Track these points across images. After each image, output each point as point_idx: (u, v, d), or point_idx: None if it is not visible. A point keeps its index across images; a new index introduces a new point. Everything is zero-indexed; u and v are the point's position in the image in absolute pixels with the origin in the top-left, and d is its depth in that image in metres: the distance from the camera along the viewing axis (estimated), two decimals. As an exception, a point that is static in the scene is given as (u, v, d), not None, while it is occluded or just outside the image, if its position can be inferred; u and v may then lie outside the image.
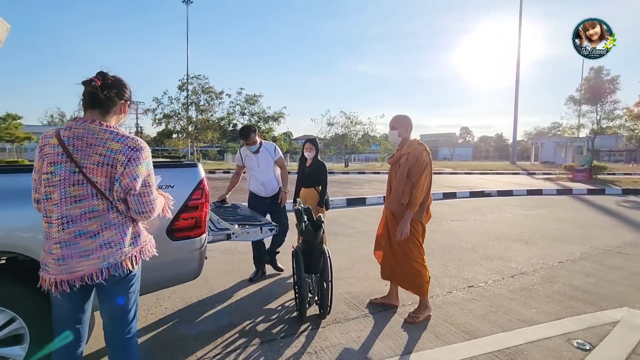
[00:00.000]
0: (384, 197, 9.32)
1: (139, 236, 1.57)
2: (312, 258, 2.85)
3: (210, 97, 27.32)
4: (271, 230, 2.95)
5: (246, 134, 3.71)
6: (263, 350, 2.45)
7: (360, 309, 3.09)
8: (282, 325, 2.80)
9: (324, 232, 2.95)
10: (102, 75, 1.47)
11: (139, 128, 55.61)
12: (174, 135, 29.59)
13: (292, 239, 4.11)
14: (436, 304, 3.19)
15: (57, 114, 55.16)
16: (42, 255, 1.50)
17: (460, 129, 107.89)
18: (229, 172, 20.38)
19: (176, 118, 27.27)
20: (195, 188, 2.25)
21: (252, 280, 3.78)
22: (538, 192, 12.27)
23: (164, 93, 26.58)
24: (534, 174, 22.74)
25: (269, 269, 4.04)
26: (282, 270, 4.03)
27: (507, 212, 8.38)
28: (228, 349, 2.47)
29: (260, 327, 2.78)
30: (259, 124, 26.49)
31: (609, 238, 5.77)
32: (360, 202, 9.60)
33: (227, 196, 3.95)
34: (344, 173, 22.59)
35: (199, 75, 27.10)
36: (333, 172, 21.86)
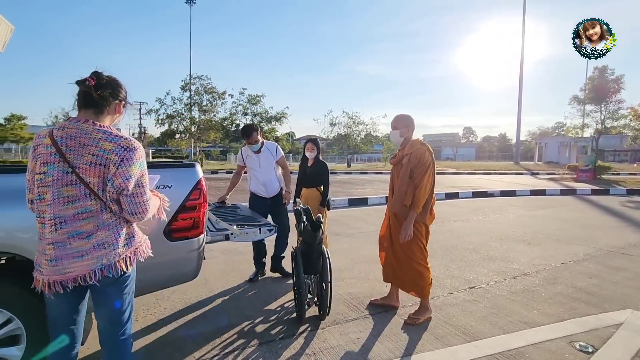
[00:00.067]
0: (386, 197, 9.28)
1: (134, 237, 1.55)
2: (312, 259, 2.84)
3: (212, 97, 27.35)
4: (270, 230, 2.93)
5: (248, 132, 3.69)
6: (261, 352, 2.43)
7: (360, 310, 3.07)
8: (281, 327, 2.78)
9: (323, 233, 2.93)
10: (96, 75, 1.46)
11: (142, 128, 55.88)
12: (177, 136, 29.69)
13: (292, 240, 4.09)
14: (437, 305, 3.16)
15: (61, 115, 55.41)
16: (35, 255, 1.49)
17: (463, 129, 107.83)
18: (231, 172, 20.34)
19: (179, 118, 27.33)
20: (193, 188, 2.24)
21: (252, 280, 3.77)
22: (541, 192, 12.19)
23: (167, 93, 26.65)
24: (538, 174, 22.60)
25: (269, 270, 4.01)
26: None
27: (510, 212, 8.32)
28: (226, 350, 2.45)
29: (259, 328, 2.76)
30: (261, 124, 26.49)
31: (613, 239, 5.71)
32: (362, 202, 9.57)
33: (227, 197, 3.94)
34: (346, 173, 22.56)
35: (202, 75, 27.17)
36: (335, 172, 21.84)
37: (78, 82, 1.45)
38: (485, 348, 2.47)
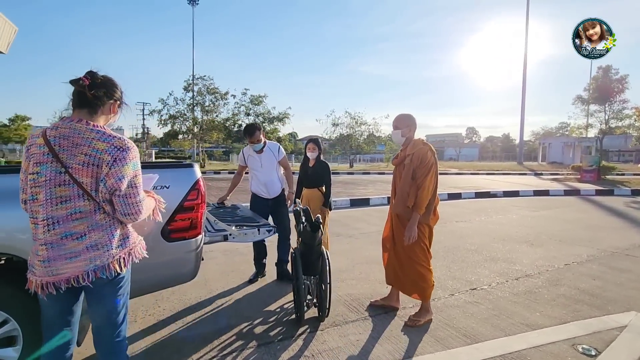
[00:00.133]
0: (388, 197, 9.24)
1: (128, 238, 1.54)
2: (311, 260, 2.81)
3: (215, 97, 27.44)
4: (269, 231, 2.92)
5: (251, 131, 3.68)
6: (260, 354, 2.41)
7: (359, 312, 3.05)
8: (280, 328, 2.76)
9: (323, 234, 2.91)
10: (91, 74, 1.45)
11: (145, 129, 56.10)
12: (180, 136, 29.78)
13: (292, 241, 4.07)
14: (438, 306, 3.13)
15: (65, 115, 55.78)
16: (29, 256, 1.48)
17: (466, 129, 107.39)
18: (234, 173, 20.41)
19: (182, 119, 27.44)
20: (191, 189, 2.23)
21: (251, 281, 3.75)
22: (545, 192, 12.11)
23: (170, 94, 26.79)
24: (541, 174, 22.47)
25: (269, 271, 3.99)
26: None
27: (512, 213, 8.26)
28: (225, 352, 2.44)
29: (258, 330, 2.75)
30: (264, 124, 26.53)
31: (617, 240, 5.65)
32: (364, 202, 9.54)
33: (228, 198, 3.92)
34: (348, 173, 22.53)
35: (204, 76, 27.27)
36: (338, 173, 21.81)
37: (72, 82, 1.43)
38: (487, 350, 2.44)
